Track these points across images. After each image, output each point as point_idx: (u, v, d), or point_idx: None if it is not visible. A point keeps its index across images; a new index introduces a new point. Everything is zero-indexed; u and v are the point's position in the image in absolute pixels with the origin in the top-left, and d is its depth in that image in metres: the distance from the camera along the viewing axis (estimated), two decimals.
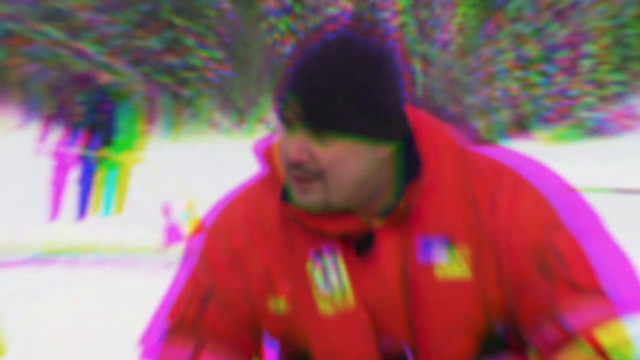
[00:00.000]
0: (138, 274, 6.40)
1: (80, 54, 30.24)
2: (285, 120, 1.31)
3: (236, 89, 39.32)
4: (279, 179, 1.40)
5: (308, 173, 1.31)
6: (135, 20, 36.72)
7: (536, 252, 1.34)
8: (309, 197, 1.32)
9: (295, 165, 1.30)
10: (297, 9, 34.62)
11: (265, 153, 1.43)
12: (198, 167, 22.42)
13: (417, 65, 28.20)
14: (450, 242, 1.36)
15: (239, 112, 37.02)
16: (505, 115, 38.62)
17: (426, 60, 40.69)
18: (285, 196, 1.37)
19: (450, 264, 1.36)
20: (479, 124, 42.20)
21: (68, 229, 8.37)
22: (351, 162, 1.31)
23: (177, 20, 36.18)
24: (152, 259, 7.22)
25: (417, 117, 1.41)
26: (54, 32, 32.29)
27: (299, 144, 1.30)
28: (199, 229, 1.48)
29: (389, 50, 1.32)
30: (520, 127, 39.40)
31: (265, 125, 37.55)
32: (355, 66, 1.28)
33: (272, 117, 41.79)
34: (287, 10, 34.03)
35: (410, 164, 1.37)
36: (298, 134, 1.30)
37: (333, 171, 1.30)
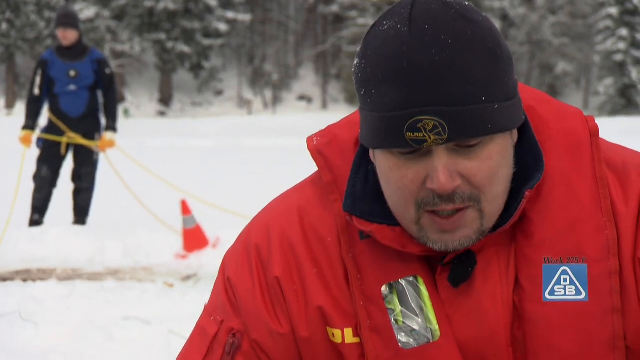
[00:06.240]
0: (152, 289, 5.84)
1: None
2: (414, 144, 1.20)
3: (269, 59, 37.07)
4: (341, 187, 1.36)
5: (463, 200, 1.24)
6: None
7: None
8: (463, 233, 1.25)
9: (447, 197, 1.23)
10: None
11: (325, 153, 1.38)
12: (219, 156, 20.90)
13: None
14: (580, 265, 1.27)
15: (273, 87, 34.66)
16: (608, 84, 36.34)
17: (503, 20, 38.32)
18: (347, 207, 1.32)
19: (581, 295, 1.27)
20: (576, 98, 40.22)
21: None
22: (503, 167, 1.26)
23: None
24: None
25: (532, 97, 1.35)
26: None
27: (446, 169, 1.21)
28: (233, 250, 1.45)
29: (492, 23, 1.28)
30: (626, 97, 36.90)
31: (306, 104, 35.67)
32: (490, 52, 1.21)
33: (316, 95, 39.47)
34: None
35: (522, 161, 1.30)
36: (438, 156, 1.22)
37: (490, 186, 1.25)
